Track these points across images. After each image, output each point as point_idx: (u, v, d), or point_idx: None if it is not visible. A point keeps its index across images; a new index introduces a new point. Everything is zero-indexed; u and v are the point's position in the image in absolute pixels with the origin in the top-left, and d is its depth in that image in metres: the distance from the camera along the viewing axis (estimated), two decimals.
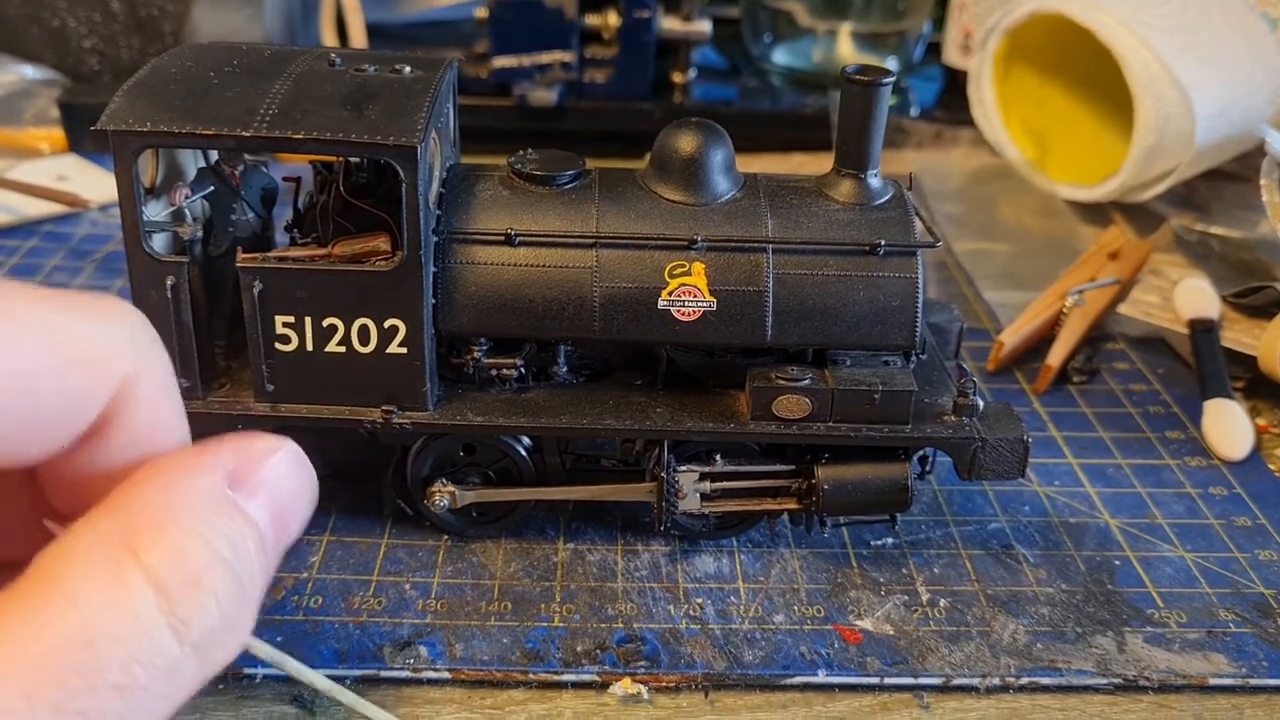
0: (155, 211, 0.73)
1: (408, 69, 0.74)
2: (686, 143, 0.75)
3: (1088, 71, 1.32)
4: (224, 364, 0.76)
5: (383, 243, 0.71)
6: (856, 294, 0.74)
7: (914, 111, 1.56)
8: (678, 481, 0.75)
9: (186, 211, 0.73)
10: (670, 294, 0.73)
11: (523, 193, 0.75)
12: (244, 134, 0.67)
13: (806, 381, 0.74)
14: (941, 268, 1.22)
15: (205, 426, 0.72)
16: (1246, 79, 1.24)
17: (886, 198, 0.77)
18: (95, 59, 1.37)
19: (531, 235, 0.73)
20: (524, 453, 0.77)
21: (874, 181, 0.77)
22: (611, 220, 0.74)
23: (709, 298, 0.73)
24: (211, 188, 0.75)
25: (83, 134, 1.31)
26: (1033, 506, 0.86)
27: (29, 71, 1.41)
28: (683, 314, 0.73)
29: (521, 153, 0.77)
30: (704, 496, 0.76)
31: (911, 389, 0.74)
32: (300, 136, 0.67)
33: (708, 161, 0.75)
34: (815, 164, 1.42)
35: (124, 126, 0.67)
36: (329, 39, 1.48)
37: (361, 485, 0.81)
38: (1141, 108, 1.19)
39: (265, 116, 0.67)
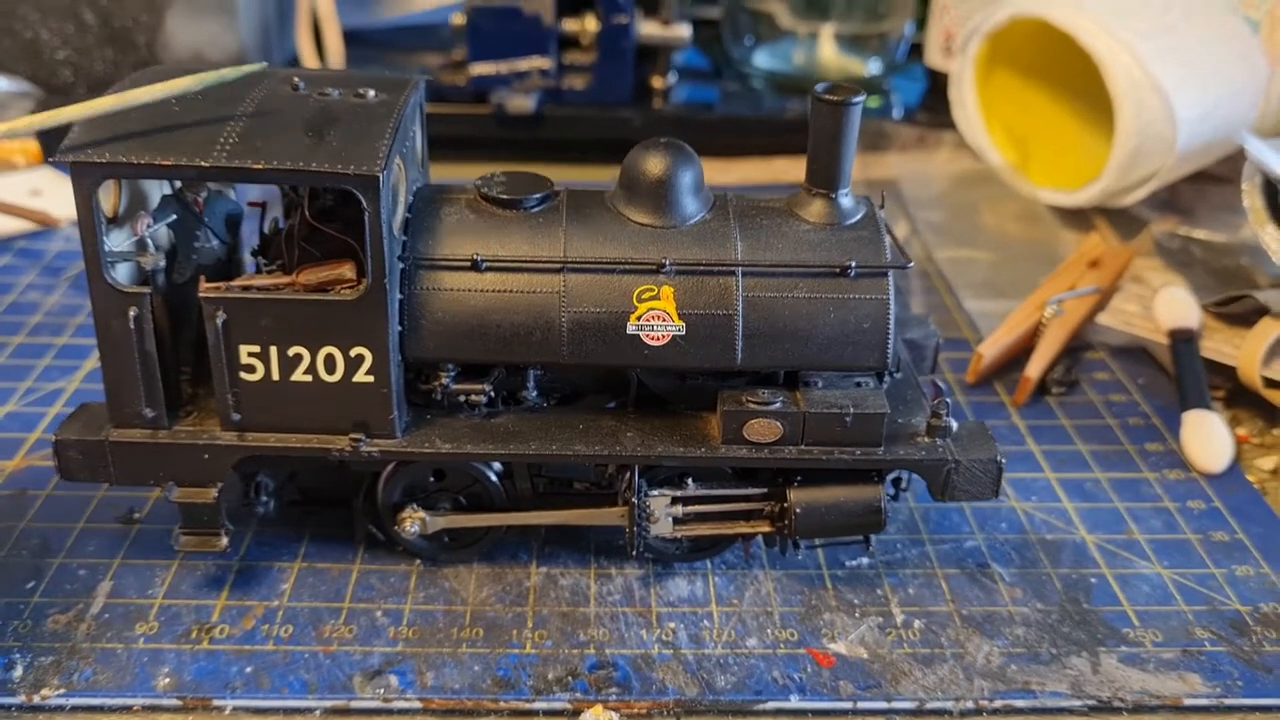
0: (118, 240, 0.72)
1: (372, 92, 0.73)
2: (654, 164, 0.74)
3: (1070, 75, 1.31)
4: (190, 391, 0.76)
5: (348, 270, 0.71)
6: (827, 316, 0.73)
7: (897, 114, 1.55)
8: (649, 506, 0.75)
9: (149, 240, 0.72)
10: (639, 318, 0.72)
11: (489, 217, 0.74)
12: (203, 164, 0.66)
13: (778, 405, 0.73)
14: (923, 277, 1.21)
15: (172, 457, 0.73)
16: (1229, 82, 1.24)
17: (858, 217, 0.76)
18: (69, 71, 1.36)
19: (498, 260, 0.72)
20: (494, 478, 0.77)
21: (845, 201, 0.76)
22: (579, 244, 0.73)
23: (678, 322, 0.73)
24: (174, 215, 0.74)
25: (57, 147, 1.30)
26: (1010, 523, 0.85)
27: (2, 84, 1.39)
28: (652, 338, 0.73)
29: (489, 175, 0.77)
30: (676, 520, 0.76)
31: (883, 411, 0.73)
32: (260, 166, 0.66)
33: (676, 183, 0.74)
34: (797, 169, 1.40)
35: (83, 157, 0.66)
36: (305, 46, 1.47)
37: (332, 511, 0.81)
38: (1122, 112, 1.18)
39: (225, 145, 0.67)
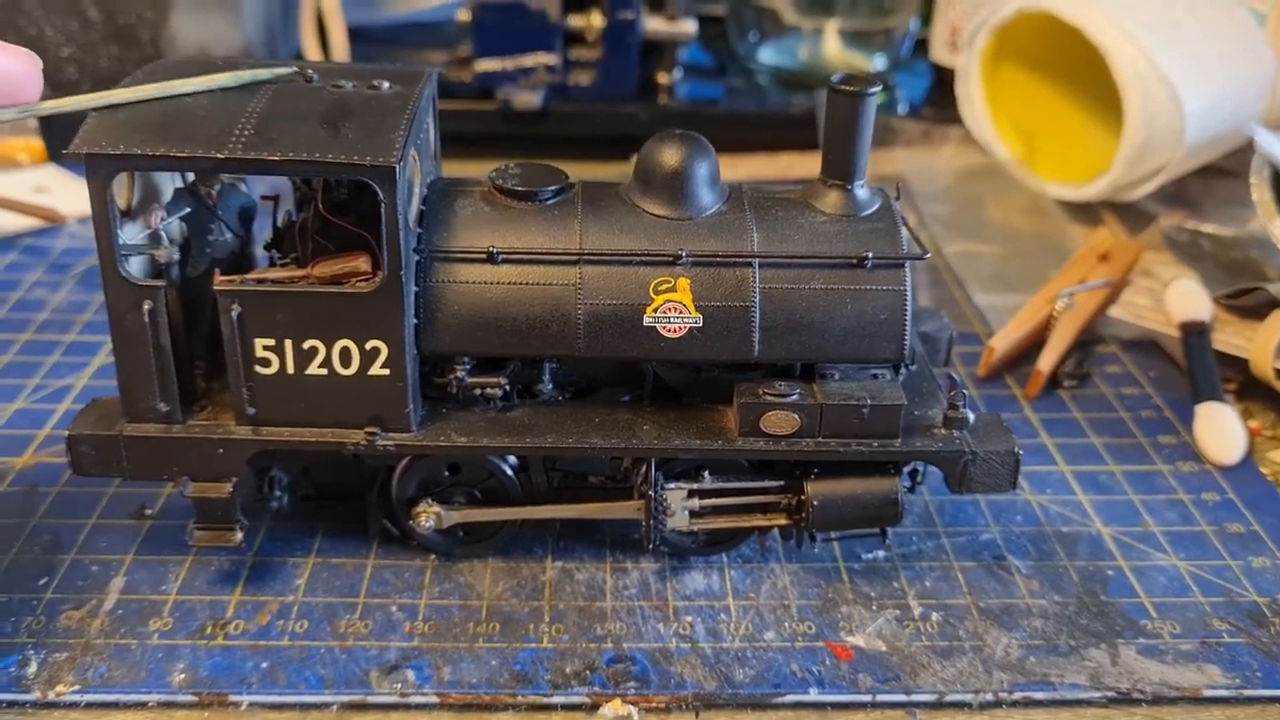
0: (131, 234, 0.71)
1: (386, 84, 0.73)
2: (670, 156, 0.74)
3: (1077, 69, 1.31)
4: (204, 385, 0.75)
5: (363, 262, 0.70)
6: (844, 308, 0.73)
7: (902, 109, 1.54)
8: (666, 499, 0.75)
9: (163, 234, 0.72)
10: (655, 310, 0.72)
11: (505, 209, 0.74)
12: (219, 156, 0.65)
13: (795, 397, 0.73)
14: (932, 270, 1.21)
15: (186, 452, 0.73)
16: (1236, 75, 1.23)
17: (874, 209, 0.76)
18: (73, 68, 1.35)
19: (514, 252, 0.72)
20: (510, 471, 0.76)
21: (861, 192, 0.76)
22: (595, 236, 0.73)
23: (695, 314, 0.72)
24: (188, 209, 0.74)
25: (62, 144, 1.30)
26: (1025, 516, 0.85)
27: None
28: (668, 330, 0.73)
29: (503, 167, 0.76)
30: (693, 514, 0.76)
31: (900, 403, 0.73)
32: (276, 158, 0.65)
33: (692, 175, 0.74)
34: (803, 164, 1.41)
35: (97, 149, 0.66)
36: (309, 43, 1.46)
37: (347, 506, 0.80)
38: (1130, 105, 1.18)
39: (240, 137, 0.66)
